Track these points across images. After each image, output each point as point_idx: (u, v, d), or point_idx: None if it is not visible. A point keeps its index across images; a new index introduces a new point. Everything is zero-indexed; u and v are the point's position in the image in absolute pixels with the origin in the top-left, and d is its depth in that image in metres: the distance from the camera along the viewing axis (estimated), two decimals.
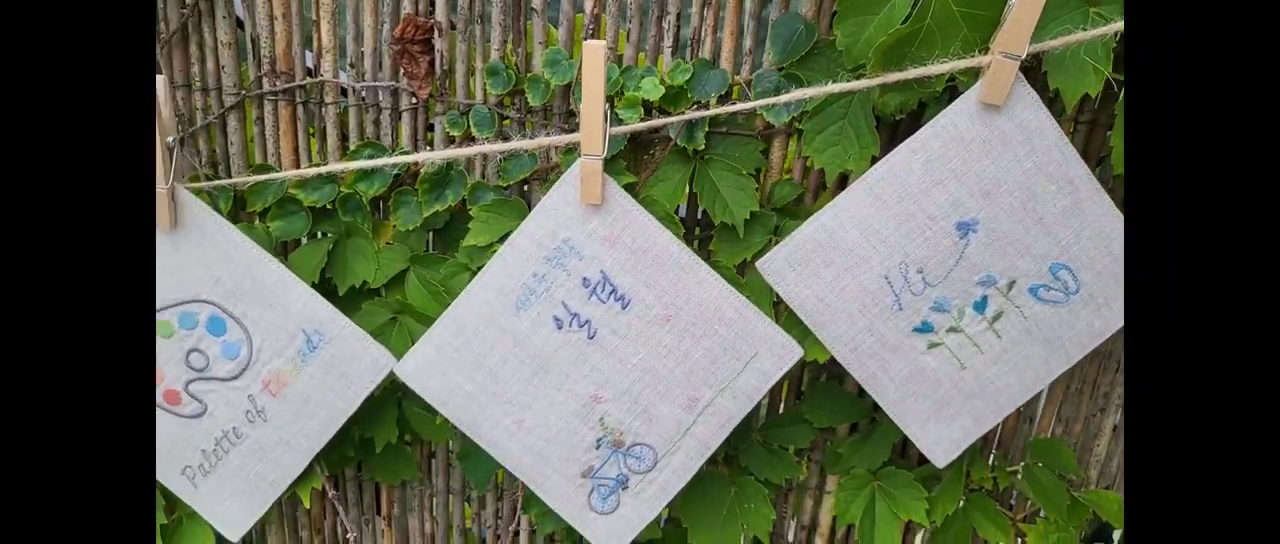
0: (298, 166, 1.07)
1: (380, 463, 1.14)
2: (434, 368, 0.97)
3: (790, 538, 1.25)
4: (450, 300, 1.02)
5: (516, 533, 1.25)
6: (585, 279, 0.93)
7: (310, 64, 1.06)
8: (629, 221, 0.91)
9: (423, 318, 1.03)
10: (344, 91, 1.05)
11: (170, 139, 0.93)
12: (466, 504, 1.25)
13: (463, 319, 0.96)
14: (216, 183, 1.03)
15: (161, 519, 1.09)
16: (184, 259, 0.96)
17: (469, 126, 1.01)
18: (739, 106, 0.93)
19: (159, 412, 1.03)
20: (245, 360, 0.99)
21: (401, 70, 1.01)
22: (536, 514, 1.18)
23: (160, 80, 0.90)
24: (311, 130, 1.07)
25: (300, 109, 1.05)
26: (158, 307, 0.98)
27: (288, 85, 1.04)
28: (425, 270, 1.04)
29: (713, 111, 0.94)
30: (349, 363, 0.99)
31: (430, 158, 0.99)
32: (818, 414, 1.10)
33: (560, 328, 0.95)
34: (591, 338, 0.95)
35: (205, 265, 0.96)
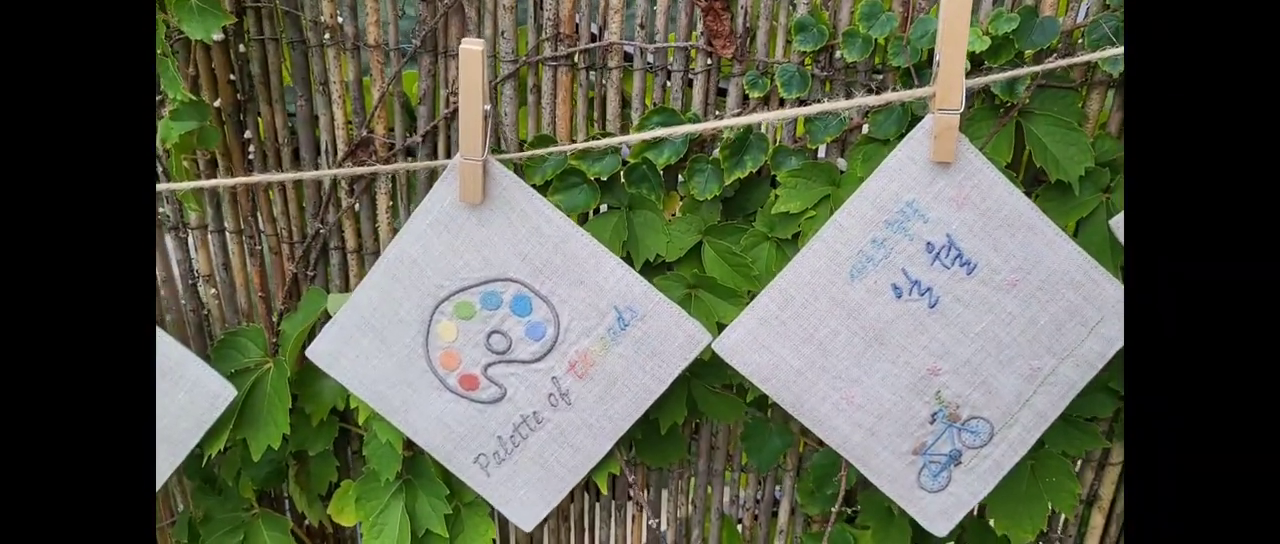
0: (572, 137, 1.02)
1: (655, 446, 1.09)
2: (757, 342, 0.92)
3: None
4: (754, 271, 0.97)
5: (775, 514, 1.20)
6: (929, 244, 0.87)
7: (594, 28, 1.00)
8: (979, 181, 0.86)
9: (724, 291, 0.98)
10: (628, 56, 1.00)
11: (485, 107, 0.87)
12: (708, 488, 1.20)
13: (790, 290, 0.90)
14: (512, 155, 0.97)
15: (445, 509, 1.05)
16: (490, 235, 0.91)
17: (773, 87, 0.96)
18: (1091, 56, 0.87)
19: (454, 398, 0.98)
20: (551, 341, 0.94)
21: (703, 30, 0.96)
22: (804, 494, 1.14)
23: (478, 43, 0.85)
24: (592, 95, 1.01)
25: (583, 75, 1.00)
26: (460, 287, 0.94)
27: (570, 50, 0.98)
28: (722, 241, 0.99)
29: (1063, 62, 0.88)
30: (661, 340, 0.94)
31: (775, 118, 0.93)
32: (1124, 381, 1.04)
33: (899, 297, 0.89)
34: (933, 306, 0.89)
35: (513, 242, 0.91)
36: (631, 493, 1.13)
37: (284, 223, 1.10)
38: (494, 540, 1.07)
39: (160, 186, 1.02)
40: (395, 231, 1.08)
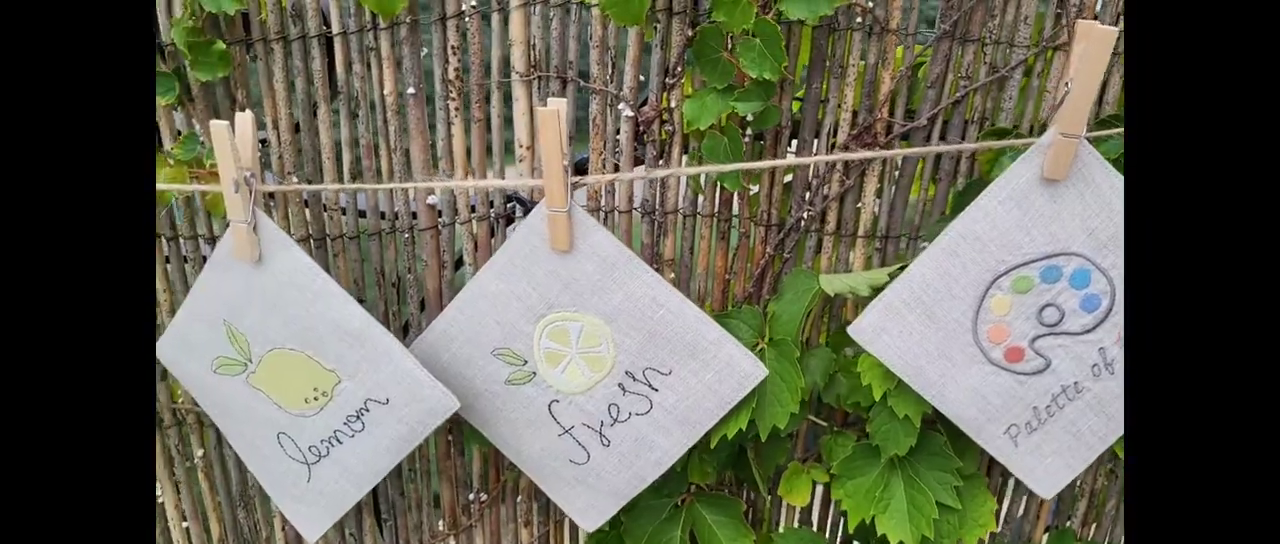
0: None
1: None
2: None
3: None
4: None
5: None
6: None
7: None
8: None
9: None
10: None
11: (1067, 82, 0.91)
12: None
13: None
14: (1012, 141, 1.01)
15: (956, 482, 1.07)
16: (1060, 210, 0.95)
17: None
18: None
19: (995, 371, 1.01)
20: (1104, 313, 0.98)
21: None
22: None
23: (1108, 28, 0.89)
24: None
25: None
26: (1021, 261, 0.97)
27: None
28: None
29: None
30: None
31: None
32: None
33: None
34: None
35: (1083, 217, 0.95)
36: None
37: (764, 204, 1.11)
38: (995, 511, 1.10)
39: (678, 170, 1.03)
40: (876, 216, 1.11)
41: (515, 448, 1.10)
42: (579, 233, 0.97)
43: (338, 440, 1.06)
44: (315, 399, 1.05)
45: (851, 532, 1.11)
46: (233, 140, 0.92)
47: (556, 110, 0.90)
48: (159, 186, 1.00)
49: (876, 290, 1.03)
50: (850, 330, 1.02)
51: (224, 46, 0.99)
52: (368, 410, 1.03)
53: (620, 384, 1.03)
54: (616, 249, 0.98)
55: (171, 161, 1.02)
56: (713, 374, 1.02)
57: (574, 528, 1.33)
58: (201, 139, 1.05)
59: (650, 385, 1.03)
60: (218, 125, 0.91)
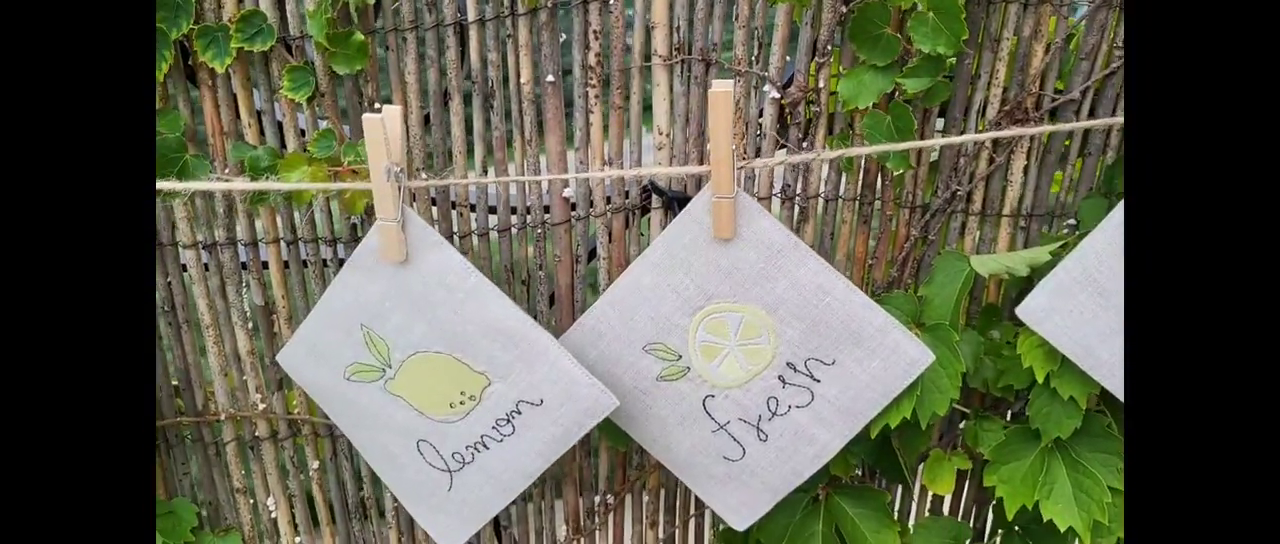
0: None
1: None
2: None
3: None
4: None
5: None
6: None
7: None
8: None
9: None
10: None
11: None
12: None
13: None
14: None
15: (1120, 464, 1.04)
16: None
17: None
18: None
19: None
20: None
21: None
22: None
23: None
24: None
25: None
26: None
27: None
28: None
29: None
30: None
31: None
32: None
33: None
34: None
35: None
36: None
37: (909, 186, 1.08)
38: None
39: (848, 151, 1.00)
40: (1022, 194, 1.08)
41: (664, 445, 1.07)
42: (743, 219, 0.93)
43: (484, 446, 1.02)
44: (461, 403, 1.00)
45: (1011, 518, 1.08)
46: (386, 132, 0.88)
47: (728, 91, 0.87)
48: (299, 186, 0.95)
49: (1035, 269, 1.00)
50: (1019, 312, 0.99)
51: (362, 38, 0.94)
52: (519, 413, 0.99)
53: (780, 376, 1.00)
54: (783, 235, 0.94)
55: (309, 161, 0.97)
56: (878, 362, 0.99)
57: (700, 529, 1.29)
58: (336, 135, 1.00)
59: (812, 376, 1.00)
60: (371, 118, 0.87)
